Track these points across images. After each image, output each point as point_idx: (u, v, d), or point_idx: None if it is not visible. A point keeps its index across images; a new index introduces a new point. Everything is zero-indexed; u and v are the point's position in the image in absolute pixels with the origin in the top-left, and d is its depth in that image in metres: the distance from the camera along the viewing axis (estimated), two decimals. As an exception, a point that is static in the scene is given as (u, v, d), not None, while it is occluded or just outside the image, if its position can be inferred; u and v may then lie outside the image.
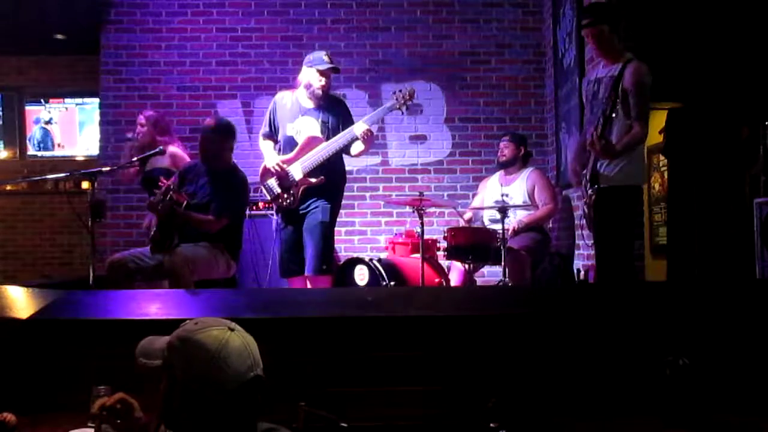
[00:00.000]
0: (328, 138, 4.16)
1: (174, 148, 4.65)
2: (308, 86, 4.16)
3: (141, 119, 4.78)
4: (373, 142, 4.27)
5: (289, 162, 4.15)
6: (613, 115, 3.37)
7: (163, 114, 5.04)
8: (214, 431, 1.41)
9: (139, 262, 3.85)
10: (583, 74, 4.80)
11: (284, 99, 4.28)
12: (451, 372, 2.63)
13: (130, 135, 4.80)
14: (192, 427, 1.41)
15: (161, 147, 4.29)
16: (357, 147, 4.20)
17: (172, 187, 3.75)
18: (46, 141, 7.26)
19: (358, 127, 4.10)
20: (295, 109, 4.22)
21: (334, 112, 4.22)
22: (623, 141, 3.49)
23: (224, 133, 4.07)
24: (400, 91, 4.24)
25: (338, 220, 4.40)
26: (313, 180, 4.08)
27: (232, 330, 1.46)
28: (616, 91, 3.40)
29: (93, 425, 2.10)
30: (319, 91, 4.14)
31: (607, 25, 3.56)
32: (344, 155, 4.30)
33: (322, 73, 4.13)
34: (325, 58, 4.15)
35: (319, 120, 4.18)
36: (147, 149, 4.40)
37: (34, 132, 7.24)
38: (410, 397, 2.59)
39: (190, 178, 4.09)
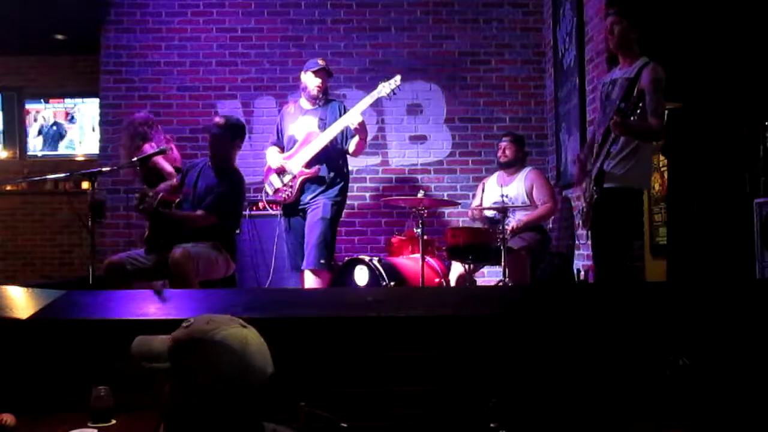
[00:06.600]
0: None
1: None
2: (305, 89, 4.50)
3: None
4: (366, 131, 4.42)
5: (289, 158, 4.43)
6: (633, 118, 3.32)
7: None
8: None
9: (137, 264, 3.84)
10: (583, 74, 4.81)
11: (289, 108, 4.66)
12: (451, 372, 2.63)
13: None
14: (201, 429, 1.37)
15: (163, 146, 4.29)
16: (353, 143, 4.42)
17: (150, 194, 3.89)
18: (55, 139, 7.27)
19: (350, 117, 4.33)
20: (297, 112, 4.56)
21: (331, 109, 4.51)
22: (640, 125, 3.39)
23: (234, 130, 4.11)
24: (387, 80, 4.48)
25: (338, 220, 4.42)
26: (309, 170, 4.35)
27: (244, 327, 1.42)
28: (632, 91, 3.37)
29: (94, 426, 2.12)
30: (314, 91, 4.46)
31: (630, 20, 3.54)
32: (348, 157, 4.53)
33: (315, 73, 4.44)
34: (320, 62, 4.49)
35: (317, 117, 4.48)
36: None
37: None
38: (410, 397, 2.59)
39: (191, 176, 4.09)
